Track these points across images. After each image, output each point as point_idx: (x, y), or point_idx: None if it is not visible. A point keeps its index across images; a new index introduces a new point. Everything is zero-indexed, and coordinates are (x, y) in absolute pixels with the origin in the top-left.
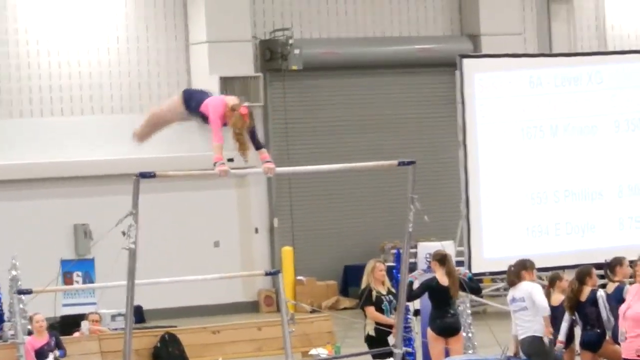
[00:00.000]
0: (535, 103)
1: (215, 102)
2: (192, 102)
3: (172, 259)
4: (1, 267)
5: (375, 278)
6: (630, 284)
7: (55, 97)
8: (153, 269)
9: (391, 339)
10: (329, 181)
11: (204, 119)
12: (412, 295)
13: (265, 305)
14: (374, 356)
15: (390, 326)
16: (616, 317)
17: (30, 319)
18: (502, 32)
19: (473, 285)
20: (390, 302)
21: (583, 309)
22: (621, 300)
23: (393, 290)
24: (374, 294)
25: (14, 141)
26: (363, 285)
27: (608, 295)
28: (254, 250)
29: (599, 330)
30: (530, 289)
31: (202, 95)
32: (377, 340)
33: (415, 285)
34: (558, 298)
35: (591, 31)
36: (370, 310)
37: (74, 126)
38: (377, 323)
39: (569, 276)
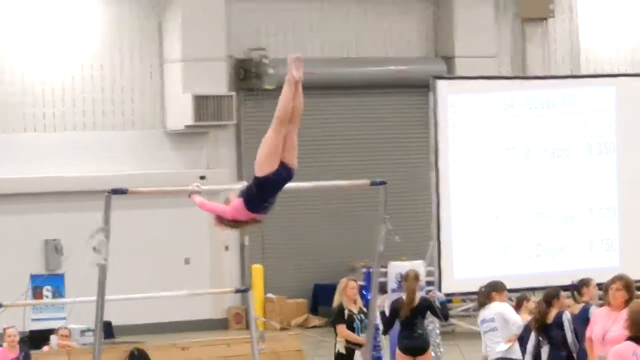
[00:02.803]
0: (508, 125)
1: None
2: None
3: (142, 276)
4: None
5: (347, 296)
6: (601, 305)
7: (28, 113)
8: (123, 285)
9: (358, 356)
10: (301, 200)
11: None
12: (387, 324)
13: (234, 323)
14: None
15: (361, 345)
16: (582, 338)
17: (4, 331)
18: (476, 55)
19: (443, 311)
20: (361, 321)
21: (549, 331)
22: (586, 320)
23: (364, 309)
24: (346, 312)
25: None
26: (335, 303)
27: (574, 316)
28: (224, 267)
29: (564, 353)
30: (500, 309)
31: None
32: (347, 358)
33: (386, 308)
34: (525, 318)
35: (565, 55)
36: (342, 328)
37: (47, 142)
38: (347, 341)
39: (538, 298)
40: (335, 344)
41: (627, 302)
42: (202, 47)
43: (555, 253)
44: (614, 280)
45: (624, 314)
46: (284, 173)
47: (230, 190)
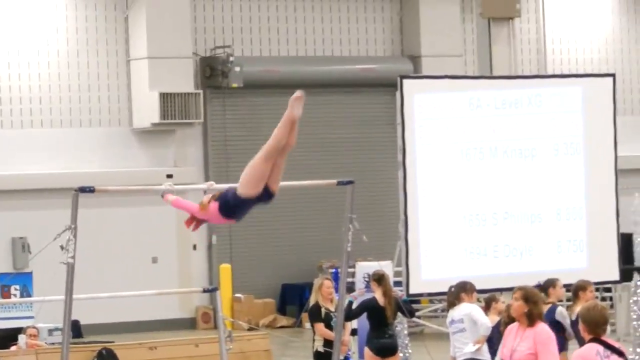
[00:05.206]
0: (475, 125)
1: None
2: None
3: (110, 275)
4: None
5: (322, 295)
6: (568, 307)
7: None
8: (91, 283)
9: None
10: None
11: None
12: (351, 315)
13: (202, 322)
14: None
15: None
16: None
17: None
18: (442, 54)
19: (408, 307)
20: None
21: None
22: (552, 321)
23: None
24: (323, 310)
25: None
26: (311, 302)
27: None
28: (192, 267)
29: None
30: (469, 310)
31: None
32: (326, 357)
33: (355, 305)
34: (493, 319)
35: (532, 54)
36: (320, 327)
37: (14, 139)
38: (325, 340)
39: (506, 298)
40: (313, 342)
41: (527, 315)
42: (168, 44)
43: (523, 254)
44: (515, 290)
45: (532, 332)
46: (265, 197)
47: (201, 189)
